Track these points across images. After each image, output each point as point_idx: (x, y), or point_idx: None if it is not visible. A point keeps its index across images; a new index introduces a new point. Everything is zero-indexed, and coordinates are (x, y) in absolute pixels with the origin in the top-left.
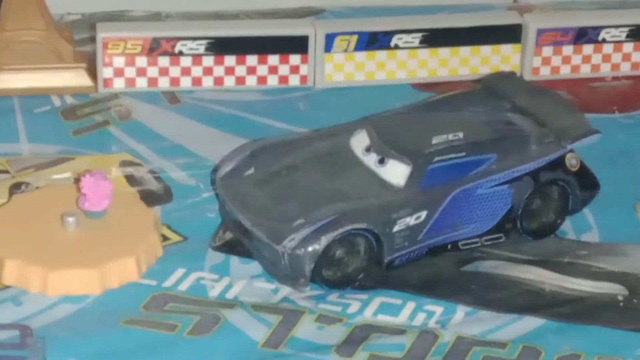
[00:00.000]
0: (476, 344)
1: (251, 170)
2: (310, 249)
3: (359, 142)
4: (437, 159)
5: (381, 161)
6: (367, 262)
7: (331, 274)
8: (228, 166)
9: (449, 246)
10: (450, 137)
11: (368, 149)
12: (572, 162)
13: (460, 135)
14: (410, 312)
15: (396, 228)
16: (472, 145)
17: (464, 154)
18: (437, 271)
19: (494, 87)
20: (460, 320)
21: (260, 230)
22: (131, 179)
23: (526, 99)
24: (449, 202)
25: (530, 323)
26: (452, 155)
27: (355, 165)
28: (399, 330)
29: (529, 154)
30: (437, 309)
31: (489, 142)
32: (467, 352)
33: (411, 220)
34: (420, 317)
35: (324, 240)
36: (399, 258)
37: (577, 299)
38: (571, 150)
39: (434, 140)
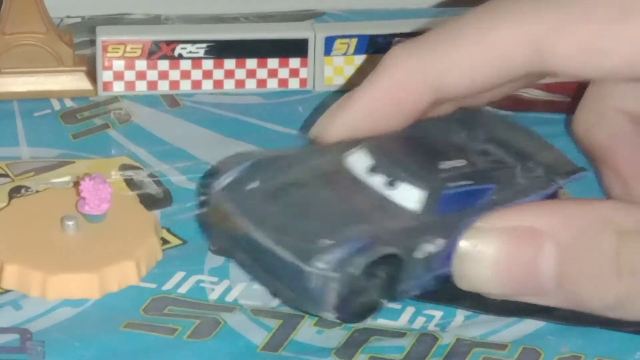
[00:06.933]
0: (476, 345)
1: (256, 184)
2: (344, 272)
3: (359, 161)
4: (450, 184)
5: (391, 183)
6: (384, 291)
7: (352, 305)
8: (229, 177)
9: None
10: (455, 163)
11: (373, 169)
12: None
13: (464, 162)
14: (410, 316)
15: (418, 255)
16: (476, 174)
17: (471, 182)
18: None
19: (465, 116)
20: (460, 323)
21: (285, 249)
22: (131, 183)
23: (502, 132)
24: (461, 231)
25: (530, 325)
26: (462, 183)
27: (360, 185)
28: (398, 333)
29: (521, 187)
30: (436, 313)
31: (489, 172)
32: (467, 353)
33: (430, 247)
34: (419, 321)
35: (359, 264)
36: (413, 287)
37: None
38: (562, 187)
39: (442, 166)
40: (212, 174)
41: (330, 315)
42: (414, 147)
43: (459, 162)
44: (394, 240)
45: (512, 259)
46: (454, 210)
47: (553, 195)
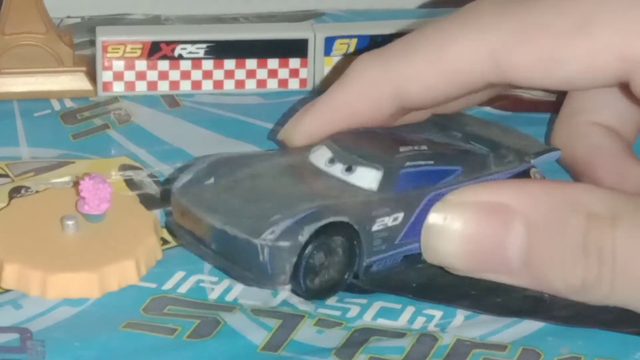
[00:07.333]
0: (476, 346)
1: (211, 180)
2: (292, 240)
3: (320, 156)
4: (408, 163)
5: (348, 169)
6: (344, 267)
7: (311, 283)
8: (185, 177)
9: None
10: (416, 147)
11: (332, 161)
12: (536, 176)
13: (425, 147)
14: (410, 316)
15: (375, 227)
16: (438, 156)
17: (432, 162)
18: (436, 276)
19: (441, 119)
20: (460, 323)
21: (235, 227)
22: (130, 183)
23: (476, 128)
24: (424, 206)
25: (529, 326)
26: (422, 162)
27: (320, 174)
28: (398, 334)
29: (492, 170)
30: (436, 313)
31: (454, 155)
32: (466, 354)
33: (389, 221)
34: (419, 321)
35: (307, 231)
36: (377, 262)
37: (576, 303)
38: (534, 166)
39: (401, 149)
40: (174, 178)
41: (287, 288)
42: (376, 138)
43: (420, 147)
44: (345, 211)
45: (479, 233)
46: (414, 187)
47: (524, 174)
